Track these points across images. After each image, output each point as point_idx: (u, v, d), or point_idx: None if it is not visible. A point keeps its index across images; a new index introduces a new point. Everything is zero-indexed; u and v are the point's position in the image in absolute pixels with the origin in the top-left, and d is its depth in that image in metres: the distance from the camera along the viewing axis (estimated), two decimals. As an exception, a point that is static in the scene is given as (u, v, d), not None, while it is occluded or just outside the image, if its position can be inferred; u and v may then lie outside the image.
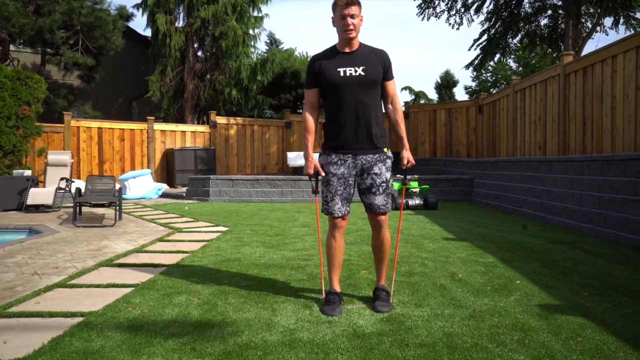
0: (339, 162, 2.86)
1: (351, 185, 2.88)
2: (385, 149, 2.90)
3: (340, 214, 2.85)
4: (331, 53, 2.87)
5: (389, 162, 2.90)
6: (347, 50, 2.83)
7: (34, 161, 10.85)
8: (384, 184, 2.86)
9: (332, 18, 2.84)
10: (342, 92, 2.80)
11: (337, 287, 2.93)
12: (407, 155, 2.93)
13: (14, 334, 2.46)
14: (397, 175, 8.55)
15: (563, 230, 5.88)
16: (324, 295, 2.94)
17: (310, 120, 2.92)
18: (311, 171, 2.88)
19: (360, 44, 2.87)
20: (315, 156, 2.93)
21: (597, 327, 2.53)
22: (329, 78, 2.81)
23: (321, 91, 2.90)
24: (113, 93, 18.56)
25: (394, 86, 2.95)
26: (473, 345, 2.31)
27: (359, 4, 2.79)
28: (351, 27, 2.75)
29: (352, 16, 2.75)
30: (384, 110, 2.99)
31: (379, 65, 2.84)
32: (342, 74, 2.79)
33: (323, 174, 2.88)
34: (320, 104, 2.98)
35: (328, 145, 2.90)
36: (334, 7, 2.80)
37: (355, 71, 2.79)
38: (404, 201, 8.09)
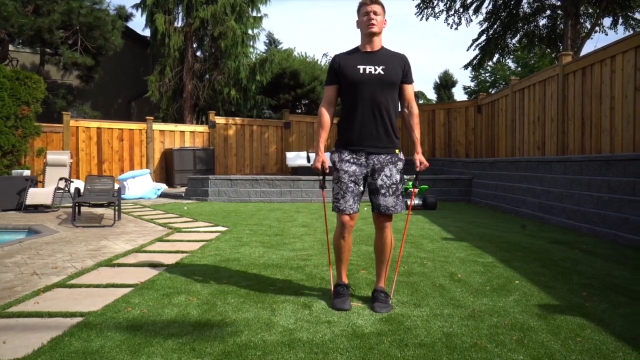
0: (352, 159, 2.88)
1: (361, 183, 2.91)
2: (397, 151, 2.93)
3: (350, 212, 2.87)
4: (353, 51, 2.95)
5: (400, 164, 2.94)
6: (368, 49, 2.90)
7: (33, 161, 10.84)
8: (393, 186, 2.88)
9: (357, 21, 2.94)
10: (360, 89, 2.85)
11: (345, 280, 3.01)
12: (419, 158, 2.95)
13: (13, 334, 2.46)
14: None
15: (562, 230, 5.89)
16: (332, 289, 2.98)
17: (325, 116, 2.95)
18: (318, 165, 2.92)
19: (382, 47, 2.94)
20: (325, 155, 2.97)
21: (596, 327, 2.53)
22: (348, 75, 2.86)
23: (339, 88, 2.95)
24: (112, 93, 18.54)
25: (412, 91, 2.98)
26: (472, 345, 2.31)
27: (382, 6, 2.89)
28: (374, 21, 2.83)
29: (375, 12, 2.84)
30: (399, 113, 3.04)
31: (398, 67, 2.89)
32: (361, 71, 2.85)
33: (328, 170, 2.93)
34: (337, 102, 3.04)
35: (341, 142, 2.94)
36: (359, 7, 2.91)
37: (375, 70, 2.84)
38: (404, 201, 8.08)
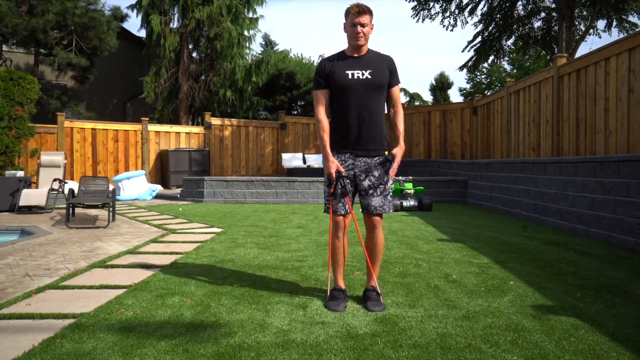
0: (340, 162, 2.93)
1: (351, 184, 2.95)
2: (386, 152, 2.98)
3: (342, 212, 2.93)
4: (340, 56, 2.96)
5: (388, 165, 2.97)
6: (355, 55, 2.93)
7: (26, 162, 10.77)
8: (382, 186, 2.93)
9: (344, 24, 2.93)
10: (348, 93, 2.88)
11: (342, 284, 3.00)
12: (396, 152, 2.94)
13: (3, 335, 2.43)
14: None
15: (557, 231, 5.90)
16: (329, 292, 2.98)
17: (326, 121, 2.95)
18: (332, 171, 2.88)
19: (369, 49, 2.97)
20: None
21: (590, 327, 2.53)
22: (337, 80, 2.89)
23: (330, 91, 2.97)
24: (107, 94, 18.48)
25: (398, 92, 3.02)
26: (467, 345, 2.30)
27: (370, 13, 2.89)
28: (361, 35, 2.85)
29: (363, 25, 2.85)
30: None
31: (385, 69, 2.93)
32: (350, 76, 2.88)
33: (344, 172, 2.91)
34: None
35: (331, 145, 2.95)
36: (347, 14, 2.90)
37: (363, 74, 2.88)
38: (399, 202, 8.09)
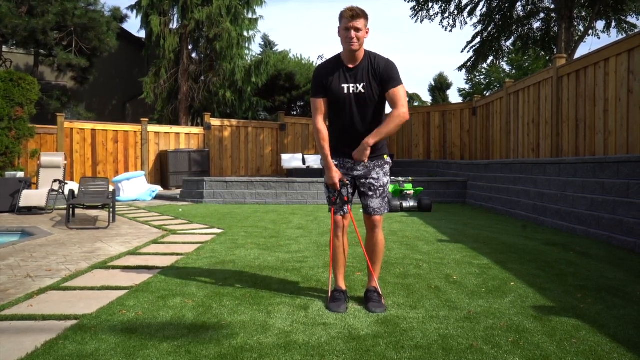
0: (339, 165, 2.96)
1: (351, 186, 2.98)
2: (385, 156, 2.99)
3: (342, 213, 2.98)
4: (336, 66, 2.89)
5: (387, 167, 3.00)
6: (350, 65, 2.86)
7: (26, 163, 10.77)
8: (381, 188, 2.97)
9: (338, 28, 2.85)
10: (344, 107, 2.88)
11: (343, 285, 3.02)
12: (365, 143, 2.77)
13: (6, 337, 2.44)
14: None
15: (556, 231, 5.92)
16: (329, 293, 2.99)
17: (324, 130, 2.93)
18: (336, 181, 2.89)
19: (365, 53, 2.87)
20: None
21: (591, 328, 2.54)
22: (334, 93, 2.88)
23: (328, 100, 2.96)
24: (107, 94, 18.48)
25: (398, 93, 2.81)
26: (468, 347, 2.31)
27: (365, 17, 2.79)
28: (354, 40, 2.76)
29: (357, 29, 2.75)
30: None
31: (376, 80, 2.84)
32: (345, 90, 2.86)
33: (347, 182, 2.93)
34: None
35: (330, 149, 2.96)
36: (340, 17, 2.82)
37: (356, 88, 2.85)
38: (399, 203, 8.10)
